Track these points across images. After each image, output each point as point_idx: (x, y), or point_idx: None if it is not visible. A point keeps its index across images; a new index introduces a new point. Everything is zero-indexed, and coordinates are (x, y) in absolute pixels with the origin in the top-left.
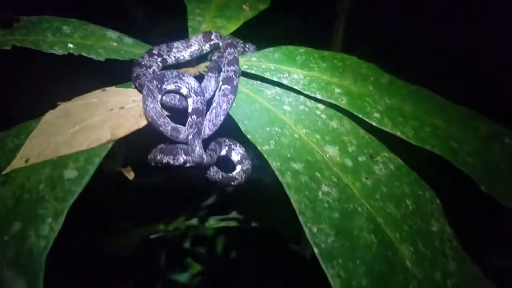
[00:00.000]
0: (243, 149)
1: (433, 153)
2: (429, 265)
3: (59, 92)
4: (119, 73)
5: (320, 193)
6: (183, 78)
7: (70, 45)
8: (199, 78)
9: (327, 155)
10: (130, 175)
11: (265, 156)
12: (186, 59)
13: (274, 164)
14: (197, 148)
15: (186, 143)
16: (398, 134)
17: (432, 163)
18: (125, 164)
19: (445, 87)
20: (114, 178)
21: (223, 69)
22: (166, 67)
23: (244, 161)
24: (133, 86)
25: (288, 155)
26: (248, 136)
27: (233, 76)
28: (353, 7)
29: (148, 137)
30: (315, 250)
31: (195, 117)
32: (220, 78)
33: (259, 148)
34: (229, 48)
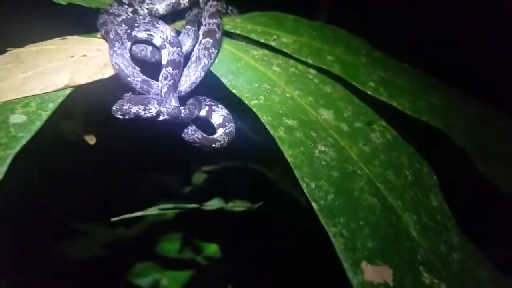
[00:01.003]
0: (226, 110)
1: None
2: (433, 236)
3: (10, 38)
4: (83, 22)
5: (316, 151)
6: (157, 25)
7: None
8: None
9: (322, 117)
10: (91, 140)
11: (254, 109)
12: (161, 13)
13: (265, 118)
14: (172, 100)
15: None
16: (395, 104)
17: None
18: (85, 126)
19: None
20: (73, 144)
21: (203, 23)
22: None
23: (227, 124)
24: (99, 35)
25: (280, 111)
26: (234, 91)
27: (216, 29)
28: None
29: (112, 92)
30: (314, 206)
31: (170, 68)
32: (201, 32)
33: (246, 102)
34: (211, 1)
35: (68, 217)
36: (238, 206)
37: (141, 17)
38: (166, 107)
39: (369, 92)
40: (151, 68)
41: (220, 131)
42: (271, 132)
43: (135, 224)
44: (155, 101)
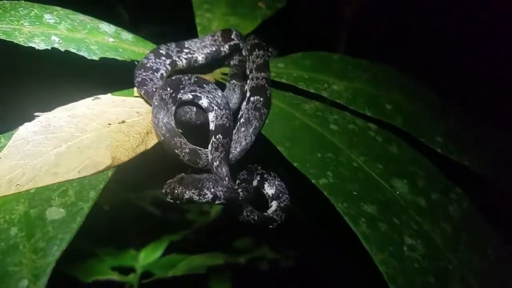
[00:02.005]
0: (278, 178)
1: None
2: None
3: (37, 99)
4: (114, 76)
5: (405, 248)
6: (204, 85)
7: (55, 38)
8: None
9: (397, 192)
10: None
11: (326, 193)
12: (200, 62)
13: (340, 206)
14: (227, 179)
15: (209, 170)
16: (466, 164)
17: None
18: None
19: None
20: None
21: (250, 76)
22: (175, 71)
23: (281, 195)
24: (136, 94)
25: (354, 193)
26: (295, 165)
27: (265, 85)
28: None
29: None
30: None
31: (220, 136)
32: (248, 87)
33: (313, 181)
34: (256, 50)
35: None
36: None
37: (186, 77)
38: (222, 191)
39: (439, 150)
40: (193, 128)
41: (274, 205)
42: (352, 226)
43: None
44: (210, 182)
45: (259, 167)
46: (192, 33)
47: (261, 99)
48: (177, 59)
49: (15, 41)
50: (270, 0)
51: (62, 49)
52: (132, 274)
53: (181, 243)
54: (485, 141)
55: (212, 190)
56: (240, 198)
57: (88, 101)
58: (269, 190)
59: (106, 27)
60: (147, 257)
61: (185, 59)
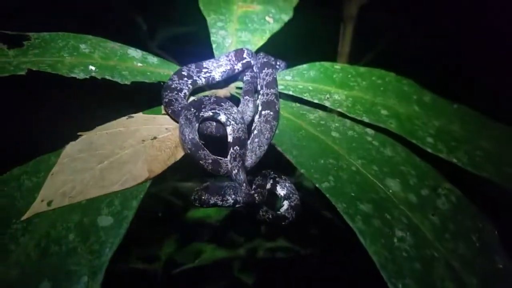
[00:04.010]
0: (289, 181)
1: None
2: None
3: (79, 121)
4: (143, 96)
5: (395, 240)
6: (222, 103)
7: (92, 67)
8: (231, 100)
9: (390, 191)
10: None
11: (328, 195)
12: (217, 79)
13: (340, 206)
14: (245, 185)
15: (229, 177)
16: (454, 161)
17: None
18: None
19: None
20: None
21: (261, 92)
22: (196, 89)
23: (291, 195)
24: (163, 111)
25: (352, 194)
26: (302, 171)
27: (275, 100)
28: (361, 13)
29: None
30: None
31: (237, 148)
32: (259, 102)
33: (317, 185)
34: (266, 68)
35: None
36: None
37: (207, 98)
38: (241, 196)
39: (429, 150)
40: (214, 139)
41: (285, 205)
42: (350, 224)
43: None
44: (231, 190)
45: (272, 172)
46: (204, 34)
47: (271, 113)
48: (197, 78)
49: (59, 73)
50: (277, 14)
51: (99, 77)
52: (157, 263)
53: (201, 233)
54: (479, 137)
55: (233, 196)
56: (256, 202)
57: (123, 120)
58: (281, 191)
59: (134, 52)
60: (170, 245)
61: (204, 78)
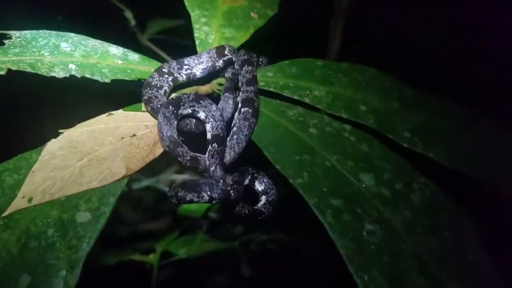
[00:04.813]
0: (267, 177)
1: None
2: None
3: (60, 118)
4: (124, 93)
5: (364, 233)
6: (201, 101)
7: (72, 66)
8: (212, 97)
9: (363, 185)
10: None
11: (300, 191)
12: (198, 76)
13: (312, 202)
14: (221, 181)
15: (207, 172)
16: (431, 155)
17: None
18: None
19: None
20: None
21: (241, 89)
22: (177, 86)
23: (269, 191)
24: (143, 108)
25: (325, 189)
26: (278, 167)
27: (254, 97)
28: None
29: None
30: None
31: (215, 145)
32: (239, 99)
33: (291, 181)
34: (246, 66)
35: None
36: None
37: (185, 95)
38: (217, 193)
39: (405, 145)
40: (194, 136)
41: (263, 200)
42: (321, 218)
43: None
44: (207, 186)
45: (250, 168)
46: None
47: (250, 110)
48: (178, 75)
49: (39, 72)
50: (261, 9)
51: (79, 76)
52: (153, 254)
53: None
54: (460, 132)
55: (209, 193)
56: (232, 198)
57: (103, 117)
58: (259, 186)
59: (115, 49)
60: (165, 237)
61: (185, 74)
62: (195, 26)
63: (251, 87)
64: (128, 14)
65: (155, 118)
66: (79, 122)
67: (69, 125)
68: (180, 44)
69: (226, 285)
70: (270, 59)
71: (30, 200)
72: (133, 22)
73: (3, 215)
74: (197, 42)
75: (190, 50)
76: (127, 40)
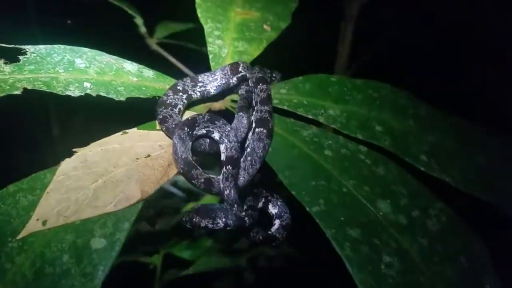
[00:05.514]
0: (281, 200)
1: None
2: None
3: (73, 136)
4: (138, 110)
5: (382, 266)
6: (215, 122)
7: (87, 84)
8: (226, 113)
9: (380, 213)
10: None
11: (317, 220)
12: (212, 93)
13: (329, 233)
14: (236, 206)
15: (220, 195)
16: (447, 180)
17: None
18: None
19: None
20: None
21: (255, 108)
22: (191, 103)
23: (283, 214)
24: (157, 127)
25: (342, 218)
26: (293, 193)
27: (268, 118)
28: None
29: None
30: None
31: (230, 168)
32: (253, 119)
33: (308, 209)
34: (260, 84)
35: None
36: None
37: (200, 116)
38: (232, 220)
39: (422, 169)
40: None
41: (277, 224)
42: (339, 251)
43: None
44: (222, 213)
45: (264, 191)
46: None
47: (264, 130)
48: (192, 92)
49: (54, 91)
50: (274, 22)
51: (94, 94)
52: (156, 256)
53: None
54: (473, 152)
55: (224, 219)
56: (246, 225)
57: (117, 136)
58: (272, 210)
59: (130, 66)
60: (169, 239)
61: (199, 92)
62: (209, 39)
63: (265, 107)
64: (138, 20)
65: (170, 137)
66: (93, 141)
67: (83, 144)
68: (189, 48)
69: None
70: (284, 71)
71: (44, 223)
72: (143, 28)
73: (18, 237)
74: (210, 57)
75: (198, 54)
76: (135, 44)
